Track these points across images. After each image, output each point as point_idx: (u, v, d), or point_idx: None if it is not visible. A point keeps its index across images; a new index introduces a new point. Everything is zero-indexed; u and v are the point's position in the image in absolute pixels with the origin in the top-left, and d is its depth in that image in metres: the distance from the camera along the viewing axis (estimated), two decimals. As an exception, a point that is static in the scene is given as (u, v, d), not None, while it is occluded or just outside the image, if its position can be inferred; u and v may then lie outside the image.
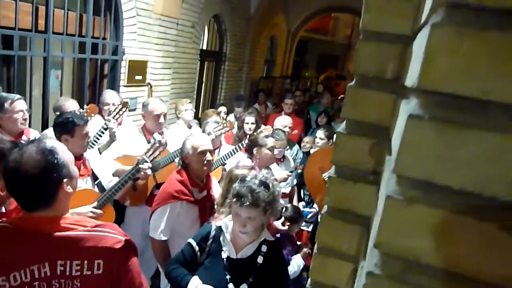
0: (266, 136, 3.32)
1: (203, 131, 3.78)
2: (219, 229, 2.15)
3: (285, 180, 3.64)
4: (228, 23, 7.31)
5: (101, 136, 3.19)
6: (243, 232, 2.01)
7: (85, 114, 3.05)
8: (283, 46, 11.57)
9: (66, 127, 2.55)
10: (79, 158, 2.59)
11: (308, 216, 3.99)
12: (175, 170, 2.77)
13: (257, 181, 2.05)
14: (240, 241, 2.08)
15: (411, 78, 0.54)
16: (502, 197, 0.45)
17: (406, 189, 0.50)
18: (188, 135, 3.77)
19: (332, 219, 0.87)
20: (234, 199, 2.01)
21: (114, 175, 2.91)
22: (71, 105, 3.29)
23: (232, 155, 3.54)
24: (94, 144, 3.13)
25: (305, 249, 2.96)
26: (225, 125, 3.61)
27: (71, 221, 1.40)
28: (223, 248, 2.09)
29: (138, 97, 4.91)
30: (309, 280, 0.92)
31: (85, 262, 1.37)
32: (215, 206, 2.55)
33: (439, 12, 0.47)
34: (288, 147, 4.16)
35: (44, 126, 3.67)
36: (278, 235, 2.87)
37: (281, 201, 3.55)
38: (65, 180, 1.37)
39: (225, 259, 2.07)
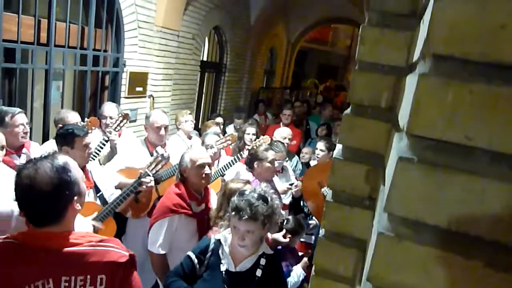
0: (266, 149, 3.34)
1: (203, 143, 3.80)
2: (218, 242, 2.16)
3: (285, 192, 3.67)
4: (228, 35, 7.38)
5: (102, 148, 3.21)
6: (242, 246, 2.02)
7: (86, 127, 3.08)
8: (282, 56, 11.65)
9: (66, 138, 2.58)
10: (81, 170, 2.61)
11: (309, 228, 4.00)
12: (174, 184, 2.78)
13: (255, 195, 2.06)
14: (238, 254, 2.09)
15: (402, 119, 0.57)
16: (486, 236, 0.48)
17: (397, 227, 0.52)
18: (186, 149, 3.81)
19: (329, 242, 0.90)
20: (233, 213, 2.02)
21: (116, 187, 2.92)
22: (73, 117, 3.32)
23: (231, 165, 3.55)
24: (95, 157, 3.14)
25: (305, 259, 2.96)
26: (228, 138, 3.62)
27: (76, 236, 1.42)
28: (222, 261, 2.10)
29: (139, 108, 4.94)
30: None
31: (88, 277, 1.39)
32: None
33: (426, 62, 0.50)
34: (287, 158, 4.19)
35: (45, 138, 3.69)
36: (279, 247, 2.87)
37: (282, 212, 3.57)
38: (75, 197, 1.40)
39: (223, 272, 2.07)
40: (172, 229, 2.56)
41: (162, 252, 2.55)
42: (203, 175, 2.65)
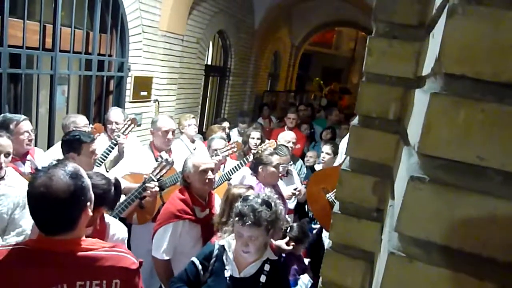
0: (271, 154, 3.33)
1: (209, 147, 3.80)
2: (222, 248, 2.15)
3: (290, 197, 3.66)
4: (233, 39, 7.39)
5: (109, 153, 3.21)
6: (246, 252, 2.02)
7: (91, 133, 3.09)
8: (286, 60, 11.66)
9: (73, 144, 2.58)
10: (87, 176, 2.61)
11: (313, 232, 3.98)
12: (177, 189, 2.77)
13: (259, 200, 2.05)
14: (242, 260, 2.08)
15: (413, 138, 0.56)
16: (500, 258, 0.47)
17: (408, 247, 0.52)
18: (190, 153, 3.81)
19: (336, 254, 0.89)
20: (236, 218, 2.01)
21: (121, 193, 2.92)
22: (81, 121, 3.33)
23: (237, 170, 3.55)
24: (102, 162, 3.15)
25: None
26: (233, 145, 3.61)
27: (89, 242, 1.42)
28: (226, 267, 2.10)
29: (143, 112, 4.95)
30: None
31: (104, 282, 1.39)
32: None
33: (438, 80, 0.49)
34: (291, 162, 4.18)
35: (50, 143, 3.70)
36: (283, 255, 2.86)
37: (287, 217, 3.56)
38: (88, 203, 1.40)
39: (228, 278, 2.07)
40: (176, 235, 2.56)
41: (166, 257, 2.55)
42: (206, 180, 2.64)
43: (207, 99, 7.25)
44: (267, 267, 2.10)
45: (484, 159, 0.46)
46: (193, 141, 4.41)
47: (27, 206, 1.37)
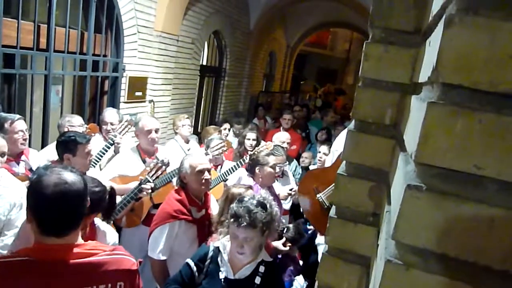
0: (268, 155, 3.34)
1: (207, 147, 3.79)
2: (217, 250, 2.15)
3: (286, 198, 3.66)
4: (228, 39, 7.38)
5: (104, 154, 3.20)
6: (241, 253, 2.02)
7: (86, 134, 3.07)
8: (282, 60, 11.67)
9: (68, 145, 2.56)
10: (82, 177, 2.59)
11: (308, 233, 3.99)
12: (174, 190, 2.77)
13: (254, 202, 2.06)
14: (237, 261, 2.08)
15: (410, 146, 0.57)
16: (496, 267, 0.47)
17: (405, 254, 0.52)
18: (184, 154, 3.80)
19: (332, 259, 0.89)
20: (232, 220, 2.01)
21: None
22: (76, 121, 3.31)
23: (233, 171, 3.55)
24: (96, 163, 3.13)
25: None
26: (222, 144, 3.62)
27: (90, 246, 1.43)
28: (221, 269, 2.10)
29: (138, 113, 4.93)
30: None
31: (109, 285, 1.42)
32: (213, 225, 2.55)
33: (435, 89, 0.49)
34: (287, 162, 4.18)
35: (44, 144, 3.68)
36: (279, 256, 2.86)
37: (282, 218, 3.56)
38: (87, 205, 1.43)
39: (222, 280, 2.07)
40: (172, 235, 2.56)
41: (163, 258, 2.55)
42: (203, 181, 2.65)
43: (202, 99, 7.24)
44: (262, 269, 2.10)
45: (481, 168, 0.46)
46: (187, 142, 4.41)
47: (24, 207, 1.37)
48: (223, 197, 2.62)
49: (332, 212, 0.90)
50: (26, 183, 1.80)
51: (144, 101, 5.07)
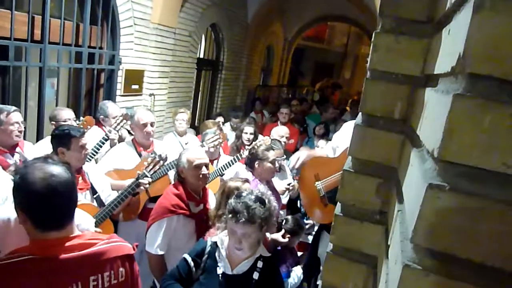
0: (267, 149, 3.30)
1: (203, 141, 3.76)
2: (215, 245, 2.12)
3: (284, 192, 3.64)
4: (225, 32, 7.32)
5: (99, 148, 3.16)
6: (239, 249, 1.99)
7: (82, 126, 3.02)
8: (279, 54, 11.61)
9: (62, 139, 2.51)
10: (78, 171, 2.55)
11: (306, 227, 3.98)
12: (171, 184, 2.74)
13: (253, 197, 2.03)
14: (235, 257, 2.06)
15: (429, 142, 0.53)
16: (525, 273, 0.44)
17: (424, 259, 0.48)
18: (180, 147, 3.76)
19: (338, 258, 0.86)
20: (230, 215, 1.98)
21: (109, 189, 2.88)
22: (65, 114, 3.26)
23: (230, 165, 3.52)
24: (93, 157, 3.09)
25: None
26: (217, 137, 3.59)
27: (89, 237, 1.45)
28: (219, 264, 2.07)
29: (135, 106, 4.88)
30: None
31: (112, 272, 1.47)
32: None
33: (459, 80, 0.46)
34: (285, 157, 4.15)
35: (39, 137, 3.63)
36: (279, 248, 2.85)
37: (281, 212, 3.54)
38: None
39: (220, 275, 2.04)
40: (170, 230, 2.53)
41: (160, 252, 2.53)
42: (200, 176, 2.63)
43: (200, 93, 7.19)
44: (260, 264, 2.08)
45: (511, 167, 0.43)
46: (181, 135, 4.39)
47: (9, 200, 1.35)
48: (220, 191, 2.60)
49: (338, 209, 0.87)
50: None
51: (141, 94, 5.02)
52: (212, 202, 2.80)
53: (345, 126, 2.79)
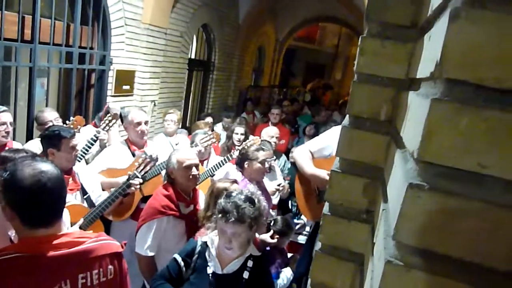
0: (257, 150, 3.32)
1: (192, 142, 3.77)
2: (205, 245, 2.13)
3: (274, 193, 3.66)
4: (217, 33, 7.32)
5: (89, 149, 3.15)
6: (229, 248, 2.00)
7: (72, 126, 3.01)
8: (271, 55, 11.64)
9: (52, 140, 2.50)
10: (68, 172, 2.55)
11: (296, 227, 4.01)
12: (161, 185, 2.74)
13: (242, 197, 2.04)
14: (225, 256, 2.07)
15: (410, 143, 0.55)
16: (500, 268, 0.46)
17: (406, 255, 0.51)
18: (170, 148, 3.75)
19: (326, 256, 0.88)
20: (220, 215, 1.99)
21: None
22: (49, 115, 3.25)
23: (220, 166, 3.53)
24: (83, 157, 3.08)
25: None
26: (211, 136, 3.60)
27: (77, 235, 1.46)
28: (209, 264, 2.08)
29: (126, 106, 4.86)
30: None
31: (101, 270, 1.49)
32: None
33: (437, 85, 0.48)
34: (275, 157, 4.17)
35: (29, 137, 3.60)
36: (268, 248, 2.86)
37: (271, 212, 3.56)
38: None
39: (210, 275, 2.05)
40: (160, 231, 2.53)
41: (150, 254, 2.53)
42: (190, 176, 2.63)
43: (191, 93, 7.18)
44: (250, 263, 2.09)
45: (486, 167, 0.45)
46: (171, 136, 4.41)
47: None
48: (208, 192, 2.60)
49: (326, 209, 0.89)
50: None
51: (132, 95, 5.01)
52: (202, 203, 2.80)
53: (336, 128, 2.81)
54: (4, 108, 2.79)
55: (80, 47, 4.06)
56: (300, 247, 4.00)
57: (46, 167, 1.36)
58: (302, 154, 2.64)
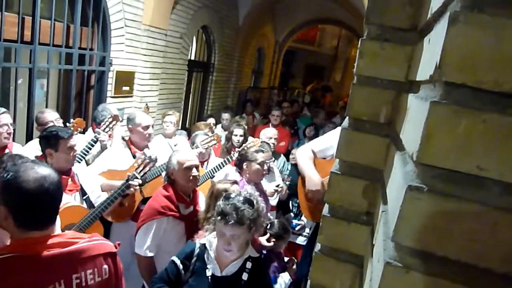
0: (256, 151, 3.32)
1: (192, 143, 3.77)
2: (203, 247, 2.13)
3: (272, 194, 3.66)
4: (217, 34, 7.33)
5: (89, 150, 3.15)
6: (228, 250, 2.00)
7: (72, 128, 3.01)
8: (270, 56, 11.65)
9: (50, 141, 2.49)
10: (67, 173, 2.54)
11: (296, 228, 4.00)
12: (161, 186, 2.74)
13: (241, 198, 2.04)
14: (224, 258, 2.07)
15: (409, 146, 0.56)
16: (496, 269, 0.47)
17: (405, 256, 0.51)
18: (169, 149, 3.76)
19: (326, 258, 0.88)
20: (219, 217, 1.99)
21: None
22: (49, 116, 3.25)
23: (221, 168, 3.53)
24: (83, 158, 3.08)
25: (294, 267, 2.95)
26: (212, 138, 3.61)
27: (70, 236, 1.46)
28: (208, 266, 2.08)
29: (125, 108, 4.87)
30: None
31: (95, 269, 1.48)
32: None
33: (437, 88, 0.48)
34: (273, 158, 4.17)
35: (29, 138, 3.60)
36: (264, 251, 2.85)
37: (269, 214, 3.56)
38: None
39: (209, 277, 2.05)
40: (160, 232, 2.53)
41: (150, 254, 2.53)
42: (191, 177, 2.63)
43: (191, 95, 7.18)
44: (249, 265, 2.09)
45: (484, 170, 0.46)
46: (170, 137, 4.41)
47: None
48: (209, 193, 2.60)
49: (325, 210, 0.89)
50: None
51: (132, 96, 5.01)
52: (202, 204, 2.80)
53: (336, 130, 2.81)
54: (4, 109, 2.79)
55: (80, 48, 4.06)
56: (299, 248, 4.00)
57: (47, 171, 1.37)
58: (304, 153, 2.65)
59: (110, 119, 3.29)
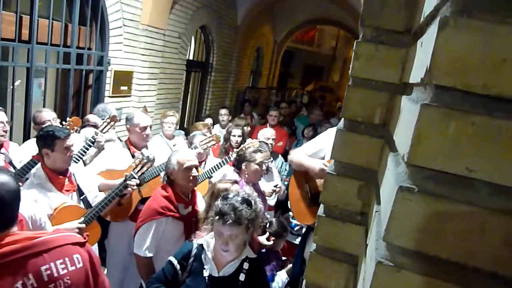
0: (255, 151, 3.33)
1: (190, 143, 3.77)
2: (201, 247, 2.13)
3: (270, 194, 3.67)
4: (215, 34, 7.33)
5: (86, 150, 3.15)
6: (225, 250, 2.00)
7: (68, 127, 3.01)
8: (269, 56, 11.65)
9: (46, 140, 2.49)
10: (64, 173, 2.54)
11: (295, 229, 4.01)
12: (160, 186, 2.75)
13: (239, 199, 2.04)
14: (222, 258, 2.07)
15: (401, 147, 0.57)
16: (485, 268, 0.48)
17: (396, 256, 0.52)
18: (168, 149, 3.76)
19: (321, 257, 0.89)
20: (217, 217, 1.99)
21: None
22: (46, 115, 3.24)
23: (218, 168, 3.53)
24: (80, 158, 3.08)
25: (290, 265, 2.96)
26: (211, 138, 3.61)
27: (30, 233, 1.48)
28: (205, 266, 2.08)
29: (123, 108, 4.87)
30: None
31: (66, 259, 1.49)
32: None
33: (427, 90, 0.49)
34: (272, 159, 4.18)
35: (26, 137, 3.61)
36: (263, 250, 2.86)
37: (266, 214, 3.56)
38: None
39: (207, 278, 2.05)
40: (159, 232, 2.54)
41: (149, 255, 2.53)
42: (190, 178, 2.63)
43: (189, 94, 7.19)
44: (246, 266, 2.09)
45: (473, 171, 0.47)
46: (170, 138, 4.41)
47: None
48: (209, 193, 2.61)
49: (321, 211, 0.90)
50: None
51: (130, 96, 5.01)
52: (201, 204, 2.80)
53: (332, 130, 2.82)
54: None
55: (78, 47, 4.06)
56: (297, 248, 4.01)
57: (6, 179, 1.39)
58: (298, 154, 2.67)
59: (108, 120, 3.29)
